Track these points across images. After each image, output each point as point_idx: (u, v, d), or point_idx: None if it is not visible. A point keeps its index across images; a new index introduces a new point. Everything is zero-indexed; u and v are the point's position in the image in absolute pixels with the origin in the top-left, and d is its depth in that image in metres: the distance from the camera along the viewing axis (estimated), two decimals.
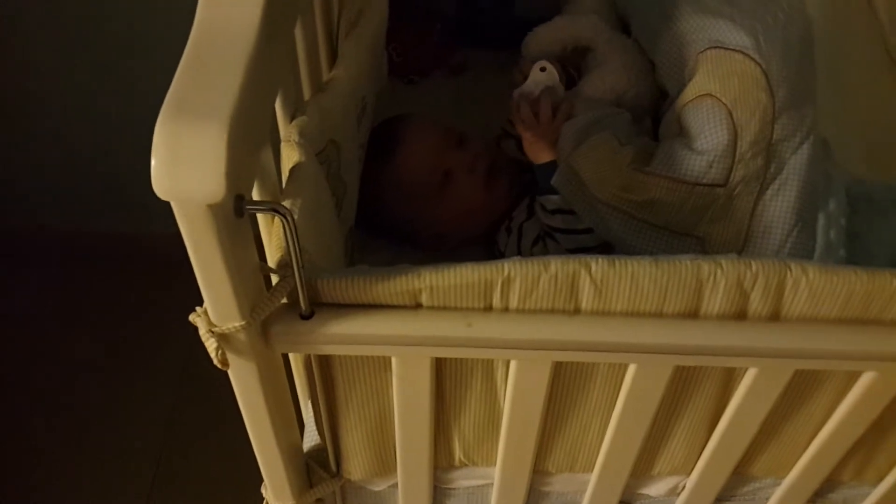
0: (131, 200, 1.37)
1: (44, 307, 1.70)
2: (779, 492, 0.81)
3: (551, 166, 0.89)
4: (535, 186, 0.94)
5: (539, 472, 0.79)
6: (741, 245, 0.82)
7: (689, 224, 0.83)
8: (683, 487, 0.81)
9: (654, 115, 0.98)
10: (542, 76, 0.96)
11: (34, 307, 1.70)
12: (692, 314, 0.61)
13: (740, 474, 0.80)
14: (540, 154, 0.91)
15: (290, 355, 0.73)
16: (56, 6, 1.38)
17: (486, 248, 1.01)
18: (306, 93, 0.82)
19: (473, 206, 0.97)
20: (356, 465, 0.76)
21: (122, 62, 1.44)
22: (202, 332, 0.55)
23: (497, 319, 0.60)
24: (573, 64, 1.03)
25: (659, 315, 0.61)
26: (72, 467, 1.47)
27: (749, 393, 0.66)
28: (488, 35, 1.22)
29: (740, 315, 0.61)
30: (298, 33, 0.77)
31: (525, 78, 0.98)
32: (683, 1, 0.91)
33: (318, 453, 0.78)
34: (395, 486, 0.80)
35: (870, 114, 0.92)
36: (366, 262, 0.62)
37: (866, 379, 0.65)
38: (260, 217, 0.70)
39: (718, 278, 0.59)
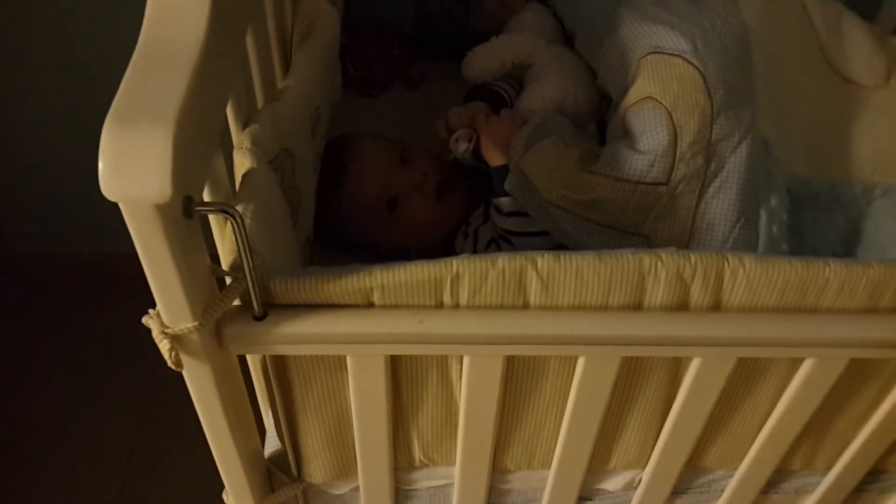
0: (98, 219, 1.36)
1: (11, 323, 1.71)
2: (732, 483, 0.83)
3: (506, 169, 0.91)
4: (490, 192, 0.95)
5: (498, 470, 0.80)
6: (686, 242, 0.85)
7: (634, 223, 0.85)
8: (640, 481, 0.82)
9: (598, 119, 1.00)
10: (458, 147, 0.98)
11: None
12: (636, 306, 0.63)
13: (694, 466, 0.82)
14: (495, 156, 0.93)
15: (248, 358, 0.74)
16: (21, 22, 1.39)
17: (446, 253, 1.02)
18: (260, 101, 0.83)
19: (427, 223, 0.98)
20: (317, 468, 0.77)
21: (86, 79, 1.44)
22: (155, 333, 0.56)
23: (448, 316, 0.62)
24: (518, 81, 1.06)
25: (604, 308, 0.63)
26: (41, 474, 1.48)
27: (695, 383, 0.68)
28: (444, 48, 1.25)
29: (682, 306, 0.64)
30: (250, 42, 0.78)
31: (448, 129, 0.99)
32: (626, 10, 0.94)
33: (279, 458, 0.79)
34: (357, 488, 0.81)
35: (810, 114, 0.95)
36: None
37: (807, 366, 0.68)
38: (213, 221, 0.71)
39: (659, 270, 0.61)
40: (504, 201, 0.91)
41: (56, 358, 1.65)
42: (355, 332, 0.60)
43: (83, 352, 1.65)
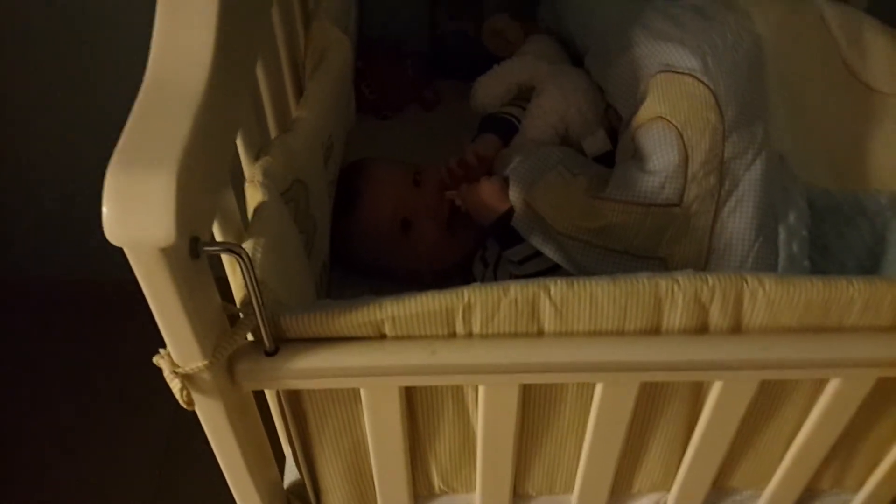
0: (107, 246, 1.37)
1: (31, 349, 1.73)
2: (760, 503, 0.81)
3: (502, 223, 0.89)
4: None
5: (519, 495, 0.79)
6: (703, 264, 0.83)
7: (649, 247, 0.84)
8: (665, 503, 0.81)
9: (607, 126, 0.99)
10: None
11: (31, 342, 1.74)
12: (654, 330, 0.62)
13: (720, 487, 0.80)
14: (487, 215, 0.91)
15: (266, 391, 0.74)
16: (31, 47, 1.40)
17: (463, 278, 1.02)
18: (273, 132, 0.83)
19: (441, 245, 0.98)
20: (336, 499, 0.76)
21: (91, 104, 1.45)
22: (166, 373, 0.55)
23: (461, 346, 0.61)
24: (527, 102, 1.05)
25: (621, 333, 0.62)
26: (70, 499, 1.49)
27: (717, 406, 0.67)
28: (458, 67, 1.24)
29: (702, 329, 0.62)
30: (262, 74, 0.79)
31: (451, 174, 0.97)
32: (637, 27, 0.93)
33: (298, 488, 0.79)
34: None
35: (831, 125, 0.93)
36: (344, 297, 0.62)
37: (833, 386, 0.66)
38: (225, 258, 0.70)
39: (676, 294, 0.60)
40: (514, 251, 0.91)
41: (82, 384, 1.67)
42: (367, 364, 0.60)
43: (110, 377, 1.66)
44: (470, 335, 0.61)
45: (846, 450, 0.76)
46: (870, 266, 0.89)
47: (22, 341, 1.74)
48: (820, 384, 0.67)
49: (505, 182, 0.90)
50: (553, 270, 0.88)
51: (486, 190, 0.90)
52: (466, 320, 0.60)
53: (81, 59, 1.42)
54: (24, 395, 1.65)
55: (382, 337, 0.61)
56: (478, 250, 0.99)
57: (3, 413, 1.60)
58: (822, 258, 0.87)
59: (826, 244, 0.88)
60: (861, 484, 0.81)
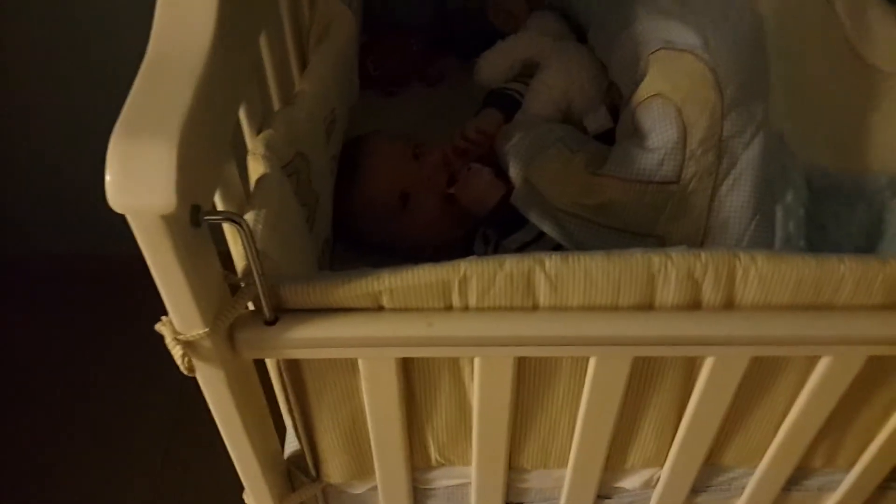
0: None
1: (45, 321, 1.74)
2: (753, 480, 0.83)
3: (499, 211, 0.90)
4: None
5: (515, 469, 0.80)
6: (700, 241, 0.84)
7: (647, 224, 0.84)
8: (658, 479, 0.82)
9: (609, 103, 0.99)
10: None
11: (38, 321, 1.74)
12: (647, 306, 0.63)
13: (713, 464, 0.81)
14: (485, 198, 0.92)
15: (267, 360, 0.75)
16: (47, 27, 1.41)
17: (465, 253, 1.03)
18: (276, 105, 0.84)
19: (438, 220, 0.99)
20: (334, 468, 0.78)
21: (96, 80, 1.45)
22: (167, 340, 0.56)
23: (457, 318, 0.62)
24: (531, 78, 1.06)
25: (615, 308, 0.63)
26: (72, 477, 1.50)
27: (709, 382, 0.68)
28: (463, 45, 1.25)
29: (694, 305, 0.63)
30: (265, 47, 0.79)
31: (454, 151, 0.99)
32: (638, 4, 0.93)
33: (298, 458, 0.80)
34: (376, 488, 0.82)
35: (832, 104, 0.93)
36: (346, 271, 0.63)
37: (823, 364, 0.67)
38: (227, 228, 0.71)
39: (669, 270, 0.61)
40: (512, 239, 0.92)
41: (87, 359, 1.67)
42: (365, 335, 0.61)
43: (116, 353, 1.67)
44: (466, 308, 0.62)
45: (837, 428, 0.77)
46: (867, 246, 0.90)
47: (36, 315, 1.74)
48: (811, 362, 0.68)
49: (495, 171, 0.91)
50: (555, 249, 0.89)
51: (478, 181, 0.91)
52: (462, 293, 0.61)
53: (86, 36, 1.42)
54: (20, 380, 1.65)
55: (380, 309, 0.62)
56: (478, 227, 1.00)
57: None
58: (820, 238, 0.88)
59: (824, 223, 0.89)
60: (852, 463, 0.82)
